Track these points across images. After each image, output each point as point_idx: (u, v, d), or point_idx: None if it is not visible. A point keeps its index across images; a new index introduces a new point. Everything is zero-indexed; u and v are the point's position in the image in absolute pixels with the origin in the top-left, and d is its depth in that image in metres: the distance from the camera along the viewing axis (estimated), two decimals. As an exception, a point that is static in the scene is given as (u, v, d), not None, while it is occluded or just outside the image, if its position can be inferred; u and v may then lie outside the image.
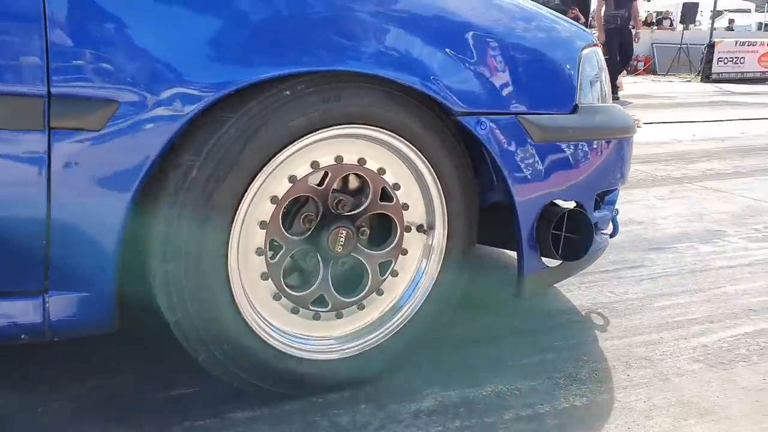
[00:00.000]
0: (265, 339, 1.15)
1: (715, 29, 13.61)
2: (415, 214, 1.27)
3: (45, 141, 0.92)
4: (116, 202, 0.99)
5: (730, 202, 2.82)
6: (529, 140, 1.26)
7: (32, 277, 1.01)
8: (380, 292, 1.27)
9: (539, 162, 1.29)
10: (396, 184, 1.23)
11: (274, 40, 1.02)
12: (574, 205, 1.38)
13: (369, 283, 1.25)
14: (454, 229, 1.28)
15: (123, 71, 0.93)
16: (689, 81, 11.32)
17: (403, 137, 1.18)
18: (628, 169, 1.57)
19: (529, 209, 1.30)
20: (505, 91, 1.23)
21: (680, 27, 13.88)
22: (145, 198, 1.02)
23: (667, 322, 1.59)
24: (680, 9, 14.04)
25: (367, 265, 1.24)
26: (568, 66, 1.34)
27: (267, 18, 1.02)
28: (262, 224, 1.12)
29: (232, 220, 1.06)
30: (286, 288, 1.18)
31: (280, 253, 1.16)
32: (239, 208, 1.07)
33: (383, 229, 1.28)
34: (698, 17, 16.90)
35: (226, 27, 0.99)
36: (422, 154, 1.20)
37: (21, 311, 1.02)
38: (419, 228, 1.29)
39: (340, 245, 1.18)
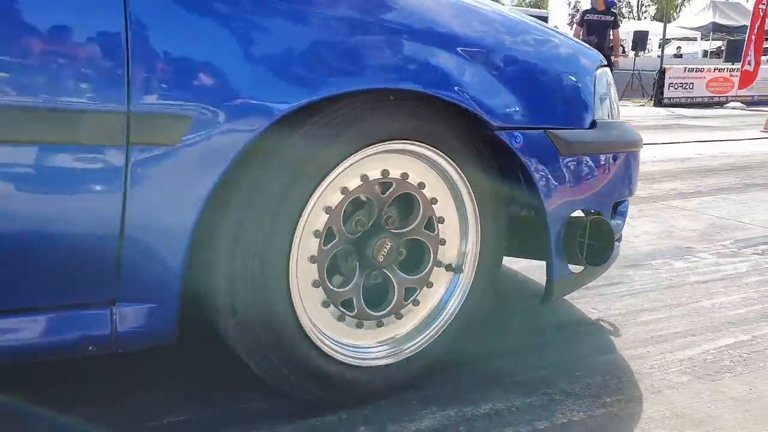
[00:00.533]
0: (318, 345, 1.19)
1: (664, 56, 14.20)
2: (449, 228, 1.34)
3: (123, 156, 0.95)
4: (186, 214, 1.02)
5: (696, 220, 2.92)
6: (556, 153, 1.34)
7: (102, 289, 1.03)
8: (416, 302, 1.33)
9: (566, 173, 1.36)
10: (433, 198, 1.30)
11: (335, 61, 1.08)
12: (596, 214, 1.46)
13: (394, 298, 1.29)
14: (485, 235, 1.35)
15: (197, 89, 0.97)
16: (643, 105, 11.73)
17: (441, 151, 1.24)
18: (636, 181, 1.65)
19: (557, 218, 1.36)
20: (535, 108, 1.31)
21: (632, 54, 14.44)
22: (213, 203, 1.04)
23: (652, 337, 1.62)
24: (632, 37, 14.62)
25: (395, 282, 1.29)
26: (586, 85, 1.43)
27: (330, 41, 1.08)
28: (317, 233, 1.17)
29: (294, 229, 1.11)
30: (329, 284, 1.21)
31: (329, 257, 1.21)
32: (300, 217, 1.12)
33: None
34: (648, 45, 17.65)
35: (292, 49, 1.04)
36: (458, 166, 1.27)
37: (90, 322, 1.03)
38: (448, 267, 1.35)
39: (382, 256, 1.24)
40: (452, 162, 1.26)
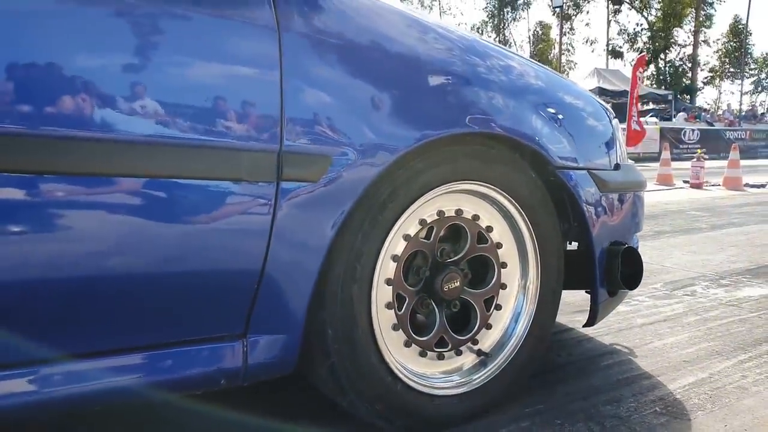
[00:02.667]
0: (404, 380, 1.26)
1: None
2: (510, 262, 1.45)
3: (273, 191, 1.02)
4: (319, 247, 1.10)
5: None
6: (597, 190, 1.52)
7: (236, 320, 1.06)
8: (489, 327, 1.43)
9: (605, 207, 1.54)
10: (489, 227, 1.41)
11: (443, 109, 1.23)
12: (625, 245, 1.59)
13: (479, 320, 1.41)
14: (546, 264, 1.46)
15: (339, 131, 1.09)
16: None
17: (502, 190, 1.36)
18: (643, 215, 1.83)
19: (599, 248, 1.52)
20: (581, 152, 1.50)
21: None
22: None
23: (619, 380, 1.63)
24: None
25: (474, 304, 1.40)
26: (611, 132, 1.65)
27: (441, 94, 1.24)
28: (389, 281, 1.26)
29: (372, 279, 1.20)
30: (414, 335, 1.31)
31: (405, 304, 1.30)
32: (376, 264, 1.20)
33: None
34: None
35: (409, 98, 1.19)
36: (520, 206, 1.40)
37: (223, 355, 1.05)
38: (478, 353, 1.42)
39: (452, 288, 1.33)
40: (512, 200, 1.39)
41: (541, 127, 1.40)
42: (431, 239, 1.33)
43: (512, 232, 1.44)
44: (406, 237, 1.27)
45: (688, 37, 37.37)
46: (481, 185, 1.34)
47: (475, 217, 1.38)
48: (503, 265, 1.43)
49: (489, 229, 1.41)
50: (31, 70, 0.85)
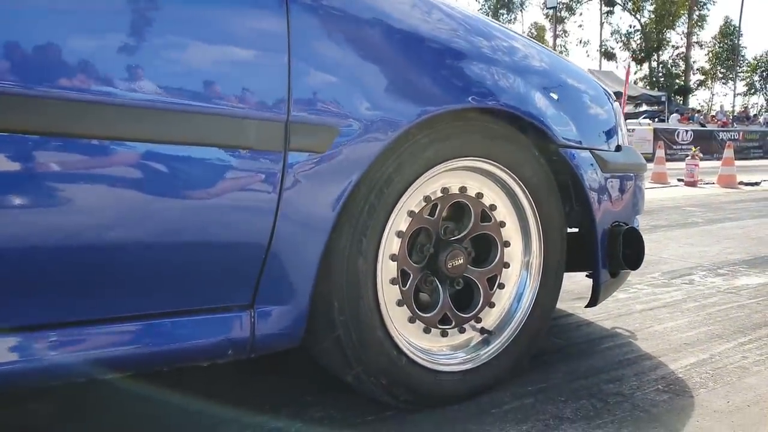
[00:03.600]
0: (409, 355, 1.26)
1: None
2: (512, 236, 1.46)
3: (281, 161, 1.02)
4: (325, 218, 1.10)
5: (621, 257, 3.06)
6: (600, 170, 1.51)
7: (244, 291, 1.06)
8: (492, 305, 1.44)
9: (607, 188, 1.54)
10: (492, 205, 1.42)
11: (450, 83, 1.24)
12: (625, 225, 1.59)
13: (482, 298, 1.41)
14: (549, 243, 1.46)
15: (344, 103, 1.09)
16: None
17: (506, 167, 1.37)
18: (644, 198, 1.84)
19: (602, 229, 1.52)
20: (584, 131, 1.50)
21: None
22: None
23: (620, 360, 1.64)
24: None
25: (477, 282, 1.41)
26: (612, 115, 1.65)
27: (447, 67, 1.24)
28: (393, 257, 1.26)
29: (377, 253, 1.20)
30: (418, 312, 1.32)
31: (409, 281, 1.30)
32: (381, 239, 1.21)
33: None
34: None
35: (415, 72, 1.19)
36: (524, 185, 1.40)
37: (231, 326, 1.05)
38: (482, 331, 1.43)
39: (456, 266, 1.34)
40: (514, 176, 1.39)
41: (544, 105, 1.40)
42: (435, 216, 1.33)
43: (515, 210, 1.45)
44: (411, 213, 1.28)
45: (681, 39, 37.61)
46: (485, 162, 1.34)
47: (479, 195, 1.38)
48: (506, 243, 1.44)
49: (492, 207, 1.41)
50: (52, 39, 0.86)
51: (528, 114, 1.36)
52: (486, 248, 1.44)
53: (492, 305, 1.44)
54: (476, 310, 1.40)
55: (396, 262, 1.27)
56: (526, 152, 1.39)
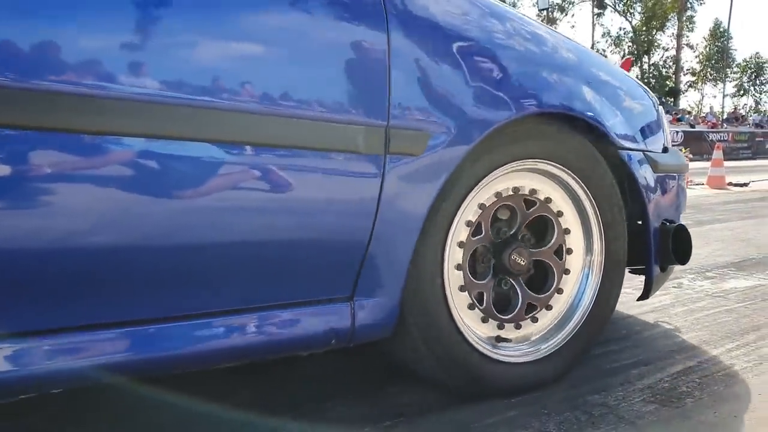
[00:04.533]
0: (472, 343, 1.34)
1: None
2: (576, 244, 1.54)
3: (382, 163, 1.12)
4: (418, 216, 1.19)
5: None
6: (652, 171, 1.61)
7: (345, 283, 1.15)
8: (560, 291, 1.52)
9: (658, 188, 1.64)
10: (559, 211, 1.50)
11: (527, 89, 1.34)
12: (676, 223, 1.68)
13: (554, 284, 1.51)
14: (610, 240, 1.54)
15: (435, 110, 1.18)
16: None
17: (571, 170, 1.45)
18: (686, 198, 1.93)
19: (654, 226, 1.61)
20: (638, 134, 1.61)
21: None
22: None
23: (606, 369, 1.60)
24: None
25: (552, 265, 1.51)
26: (660, 119, 1.76)
27: (519, 75, 1.33)
28: (461, 244, 1.34)
29: (445, 238, 1.28)
30: (480, 308, 1.39)
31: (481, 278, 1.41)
32: (451, 225, 1.29)
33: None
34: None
35: (496, 80, 1.28)
36: (586, 184, 1.47)
37: (335, 316, 1.14)
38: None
39: (521, 261, 1.42)
40: (578, 179, 1.46)
41: (606, 111, 1.51)
42: (512, 222, 1.46)
43: (579, 216, 1.53)
44: (481, 206, 1.37)
45: (671, 41, 37.83)
46: (550, 164, 1.42)
47: (548, 200, 1.47)
48: (569, 251, 1.52)
49: (559, 213, 1.50)
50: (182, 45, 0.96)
51: (593, 119, 1.46)
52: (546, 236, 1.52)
53: (549, 308, 1.50)
54: (549, 292, 1.49)
55: (463, 249, 1.35)
56: (589, 154, 1.47)
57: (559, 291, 1.50)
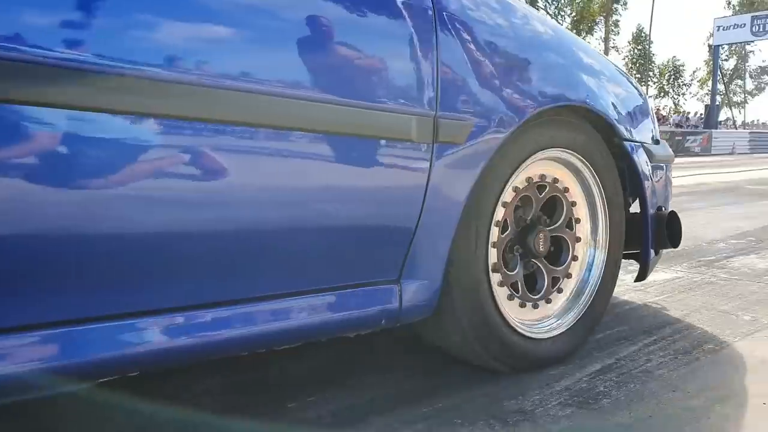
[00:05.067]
0: (511, 324, 1.44)
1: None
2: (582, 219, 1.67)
3: (430, 151, 1.19)
4: (459, 202, 1.27)
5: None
6: (648, 161, 1.74)
7: (394, 267, 1.21)
8: (569, 276, 1.64)
9: (654, 177, 1.77)
10: (566, 188, 1.62)
11: (552, 84, 1.46)
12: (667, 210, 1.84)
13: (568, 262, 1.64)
14: (613, 221, 1.67)
15: (477, 101, 1.27)
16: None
17: (584, 158, 1.58)
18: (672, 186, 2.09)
19: (650, 212, 1.73)
20: (637, 126, 1.75)
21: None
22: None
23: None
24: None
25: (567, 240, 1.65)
26: (650, 112, 1.89)
27: (551, 71, 1.47)
28: (497, 223, 1.42)
29: (490, 222, 1.38)
30: (511, 288, 1.50)
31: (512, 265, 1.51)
32: (495, 210, 1.39)
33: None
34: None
35: (527, 77, 1.39)
36: (595, 171, 1.61)
37: (384, 298, 1.20)
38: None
39: (543, 245, 1.53)
40: (590, 166, 1.60)
41: (613, 106, 1.65)
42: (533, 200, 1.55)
43: (585, 193, 1.64)
44: (515, 189, 1.48)
45: (600, 44, 39.29)
46: (567, 152, 1.54)
47: (566, 189, 1.60)
48: (577, 220, 1.65)
49: (574, 203, 1.63)
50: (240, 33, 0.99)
51: (603, 113, 1.58)
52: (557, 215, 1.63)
53: (569, 276, 1.64)
54: (567, 262, 1.63)
55: (496, 249, 1.44)
56: (598, 144, 1.61)
57: (575, 258, 1.63)
